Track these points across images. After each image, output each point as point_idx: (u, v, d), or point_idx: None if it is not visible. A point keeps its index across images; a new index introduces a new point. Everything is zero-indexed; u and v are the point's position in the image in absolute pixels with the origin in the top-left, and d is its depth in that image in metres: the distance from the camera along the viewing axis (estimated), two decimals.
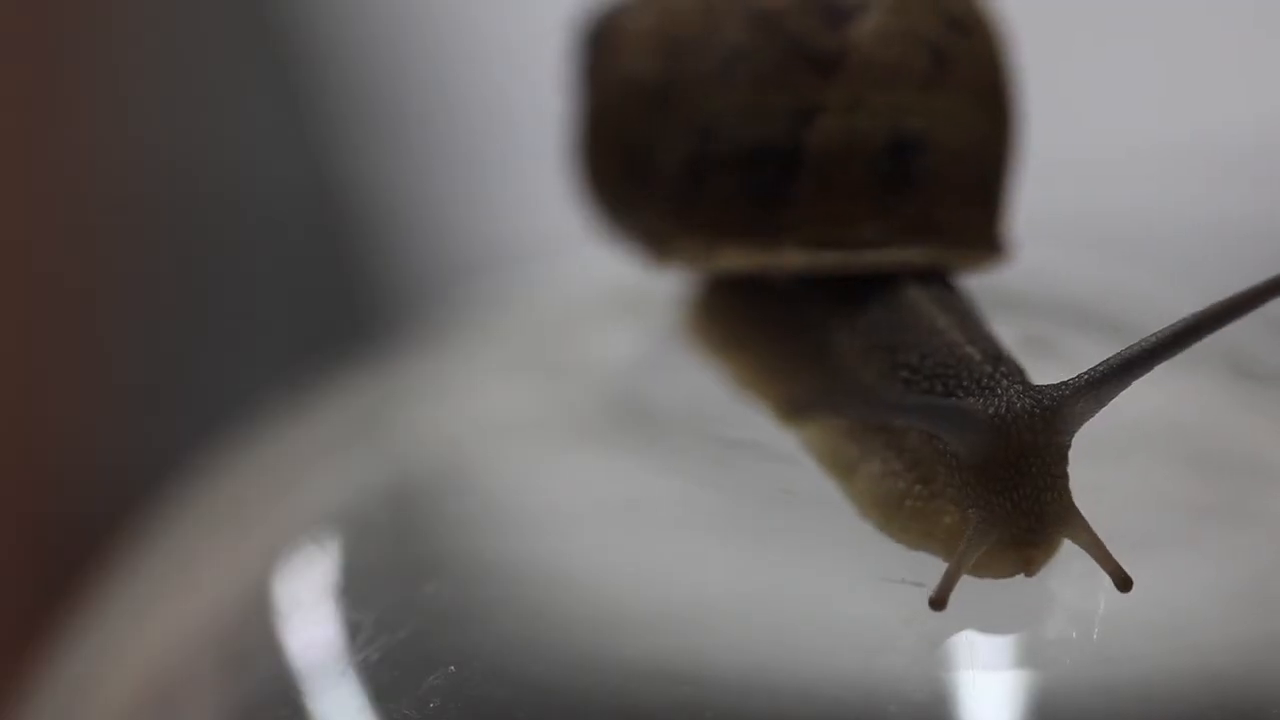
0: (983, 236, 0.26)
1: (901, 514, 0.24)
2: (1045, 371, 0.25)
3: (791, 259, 0.25)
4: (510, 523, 0.27)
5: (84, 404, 0.57)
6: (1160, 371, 0.25)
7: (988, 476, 0.23)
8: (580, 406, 0.28)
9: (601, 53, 0.28)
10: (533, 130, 0.61)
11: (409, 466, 0.29)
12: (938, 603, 0.23)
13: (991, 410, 0.23)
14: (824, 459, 0.25)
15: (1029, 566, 0.23)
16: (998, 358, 0.24)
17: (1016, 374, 0.24)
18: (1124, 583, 0.23)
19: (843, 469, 0.25)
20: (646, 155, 0.26)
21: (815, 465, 0.25)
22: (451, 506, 0.28)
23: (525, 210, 0.59)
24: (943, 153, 0.25)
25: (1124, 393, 0.25)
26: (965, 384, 0.24)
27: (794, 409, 0.25)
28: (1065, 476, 0.23)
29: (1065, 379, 0.23)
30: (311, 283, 0.61)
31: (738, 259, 0.26)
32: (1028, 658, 0.24)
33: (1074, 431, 0.23)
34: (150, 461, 0.39)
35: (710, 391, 0.27)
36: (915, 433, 0.24)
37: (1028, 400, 0.23)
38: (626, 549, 0.26)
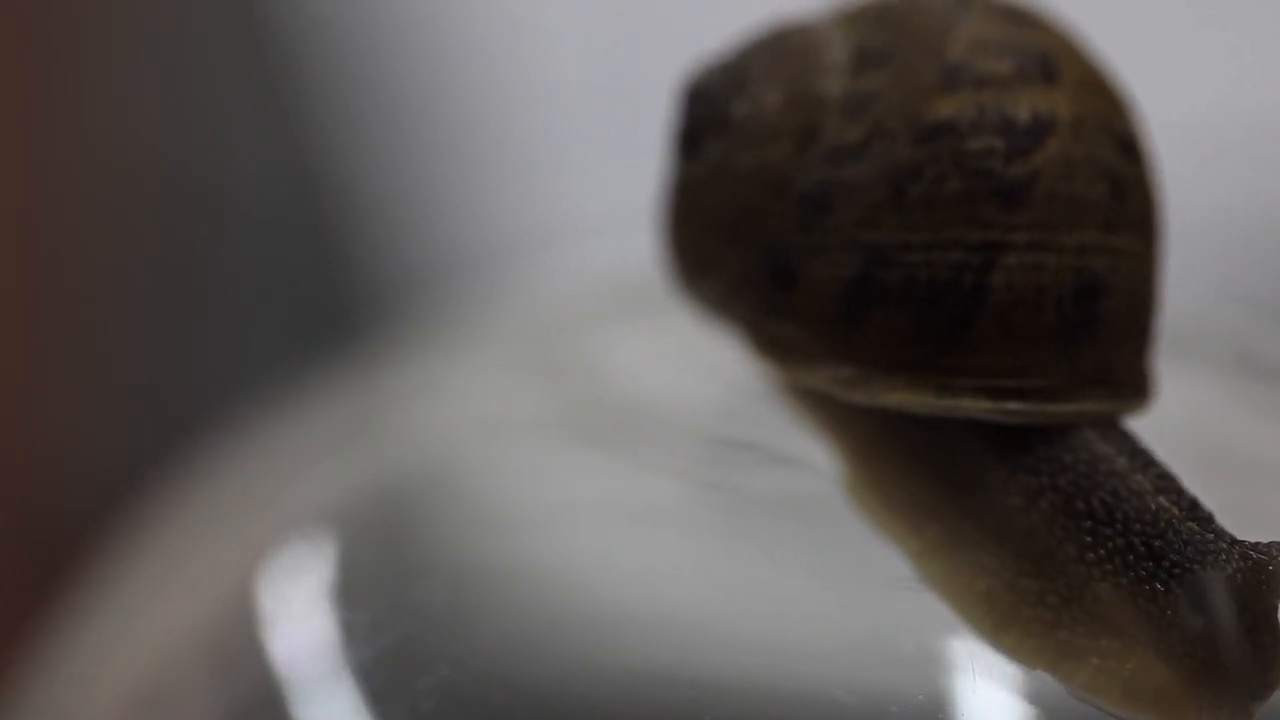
0: (1146, 380, 0.25)
1: (1085, 671, 0.23)
2: None
3: (965, 407, 0.24)
4: (506, 524, 0.27)
5: (70, 405, 0.57)
6: (1165, 369, 0.25)
7: (1226, 649, 0.22)
8: (578, 406, 0.28)
9: (717, 125, 0.25)
10: (527, 121, 0.61)
11: (403, 467, 0.29)
12: None
13: (1226, 581, 0.22)
14: (963, 607, 0.23)
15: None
16: (1194, 506, 0.23)
17: (1222, 531, 0.23)
18: None
19: (990, 623, 0.23)
20: (792, 264, 0.24)
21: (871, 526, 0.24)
22: (446, 507, 0.28)
23: (519, 203, 0.59)
24: (1122, 295, 0.24)
25: None
26: (1175, 544, 0.23)
27: None
28: None
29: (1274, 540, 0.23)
30: (305, 280, 0.61)
31: (897, 398, 0.24)
32: None
33: None
34: (139, 461, 0.38)
35: (711, 392, 0.27)
36: (1103, 585, 0.23)
37: (1249, 564, 0.22)
38: (625, 551, 0.26)
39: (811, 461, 0.25)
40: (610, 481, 0.27)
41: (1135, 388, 0.24)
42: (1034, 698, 0.24)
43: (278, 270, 0.60)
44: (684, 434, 0.27)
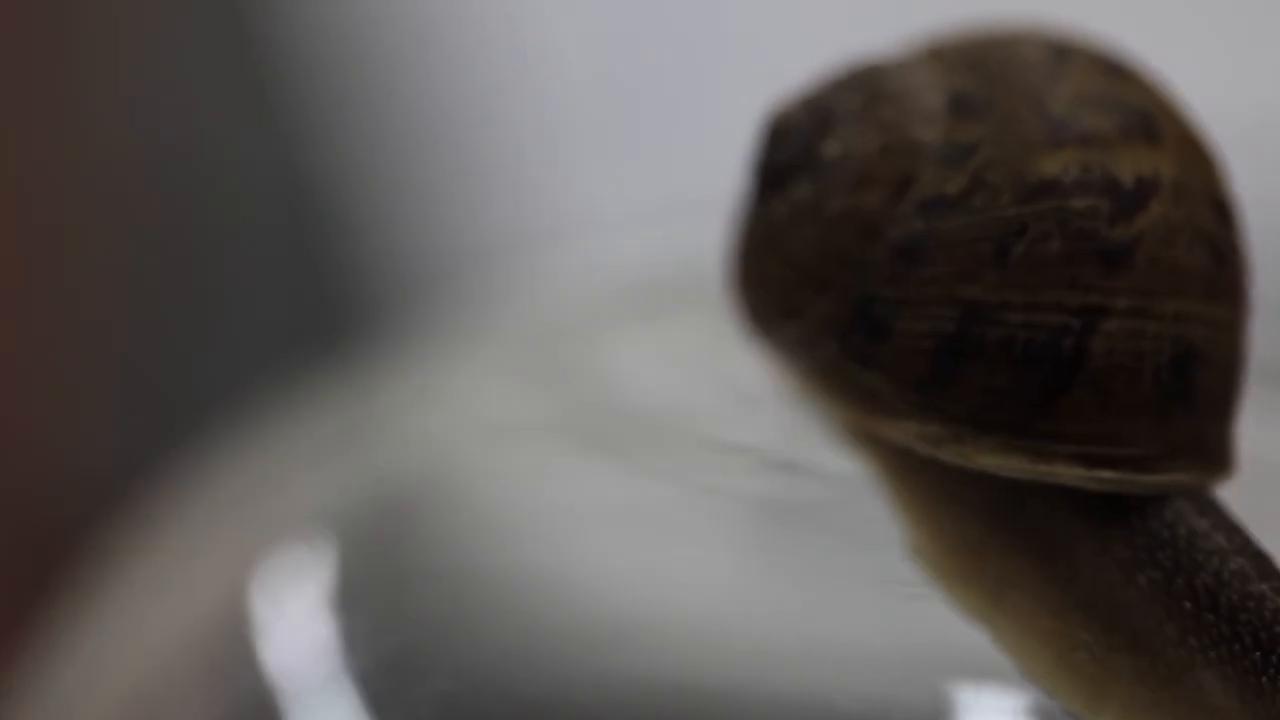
0: (1230, 450, 0.24)
1: None
2: None
3: (1058, 473, 0.23)
4: (505, 529, 0.27)
5: (69, 406, 0.57)
6: None
7: None
8: (578, 410, 0.28)
9: (804, 165, 0.25)
10: (527, 120, 0.61)
11: (402, 471, 0.29)
12: None
13: None
14: (1053, 680, 0.23)
15: None
16: None
17: None
18: None
19: (1084, 699, 0.23)
20: (883, 315, 0.24)
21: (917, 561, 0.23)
22: (445, 512, 0.28)
23: (518, 205, 0.59)
24: (1216, 365, 0.24)
25: None
26: None
27: None
28: None
29: None
30: (303, 282, 0.61)
31: (987, 460, 0.23)
32: None
33: None
34: (136, 464, 0.38)
35: (712, 395, 0.26)
36: (1207, 673, 0.22)
37: None
38: (625, 558, 0.26)
39: (813, 466, 0.25)
40: (611, 486, 0.26)
41: (1222, 459, 0.24)
42: (1037, 706, 0.24)
43: (275, 273, 0.60)
44: (685, 438, 0.27)
